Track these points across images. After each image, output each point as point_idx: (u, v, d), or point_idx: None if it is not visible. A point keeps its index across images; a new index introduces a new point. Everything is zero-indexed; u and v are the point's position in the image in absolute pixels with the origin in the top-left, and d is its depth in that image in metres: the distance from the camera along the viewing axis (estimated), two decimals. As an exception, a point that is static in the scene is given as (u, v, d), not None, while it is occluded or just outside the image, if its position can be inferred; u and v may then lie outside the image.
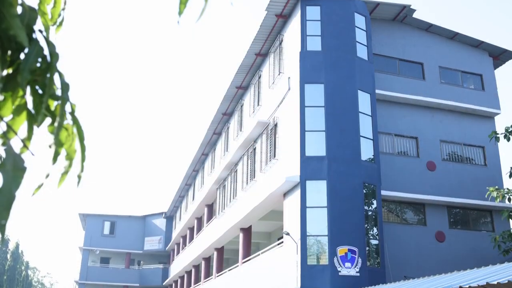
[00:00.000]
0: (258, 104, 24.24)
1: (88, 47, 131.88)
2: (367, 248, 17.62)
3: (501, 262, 11.85)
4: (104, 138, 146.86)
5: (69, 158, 1.56)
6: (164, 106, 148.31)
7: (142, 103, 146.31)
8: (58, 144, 1.52)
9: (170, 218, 53.87)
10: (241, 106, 27.47)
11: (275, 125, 21.33)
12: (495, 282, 8.00)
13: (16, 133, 1.49)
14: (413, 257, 19.41)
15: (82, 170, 1.58)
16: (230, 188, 27.45)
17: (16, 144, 1.46)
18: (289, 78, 20.30)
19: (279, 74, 21.39)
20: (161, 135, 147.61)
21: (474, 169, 21.95)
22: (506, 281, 7.76)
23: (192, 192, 40.75)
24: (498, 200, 18.41)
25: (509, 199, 18.67)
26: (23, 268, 55.76)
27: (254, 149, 23.81)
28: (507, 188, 18.71)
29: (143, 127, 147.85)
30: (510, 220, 19.77)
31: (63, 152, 1.55)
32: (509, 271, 8.69)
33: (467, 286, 8.56)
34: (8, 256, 52.69)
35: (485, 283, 8.19)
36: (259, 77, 24.69)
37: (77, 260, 59.53)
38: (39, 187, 1.50)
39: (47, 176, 1.50)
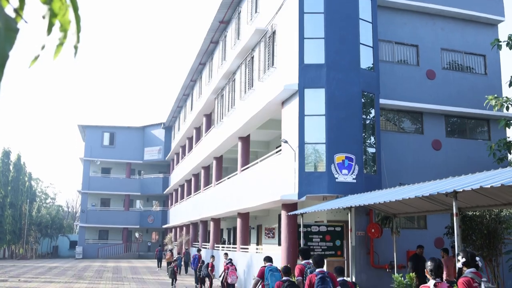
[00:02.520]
0: (256, 11, 23.63)
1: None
2: (364, 155, 17.87)
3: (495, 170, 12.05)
4: (102, 48, 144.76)
5: (64, 29, 1.51)
6: (161, 14, 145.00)
7: (139, 12, 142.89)
8: (52, 14, 1.46)
9: (169, 128, 54.28)
10: (239, 14, 26.80)
11: (274, 33, 20.93)
12: (489, 186, 8.14)
13: (8, 1, 1.43)
14: (409, 165, 19.73)
15: (78, 41, 1.53)
16: (228, 97, 27.41)
17: (9, 12, 1.40)
18: (288, -17, 19.64)
19: (278, -21, 20.69)
20: (159, 44, 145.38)
21: (474, 78, 21.82)
22: (500, 185, 7.89)
23: (190, 102, 40.76)
24: (496, 108, 18.42)
25: (507, 108, 18.68)
26: (26, 179, 56.80)
27: (252, 57, 23.52)
28: (506, 97, 18.67)
29: (141, 35, 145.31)
30: (506, 128, 19.89)
31: (57, 23, 1.50)
32: (503, 176, 8.84)
33: (461, 189, 8.73)
34: (11, 167, 53.50)
35: (478, 187, 8.33)
36: (257, -17, 23.89)
37: (79, 171, 60.67)
38: (36, 58, 1.47)
39: (43, 47, 1.45)
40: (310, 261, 9.90)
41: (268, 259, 12.02)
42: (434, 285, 6.00)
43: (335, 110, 17.66)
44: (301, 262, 10.10)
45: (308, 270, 9.60)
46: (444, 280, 10.12)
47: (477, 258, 6.56)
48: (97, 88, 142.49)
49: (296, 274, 9.68)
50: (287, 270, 9.57)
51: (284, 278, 9.40)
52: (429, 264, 6.24)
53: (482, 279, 6.24)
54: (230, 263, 18.85)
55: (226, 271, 18.66)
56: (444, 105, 20.64)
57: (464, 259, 6.52)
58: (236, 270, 18.82)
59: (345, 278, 9.49)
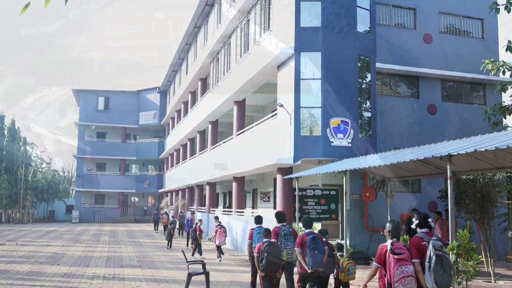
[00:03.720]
0: (252, -27, 23.22)
1: None
2: (360, 120, 17.87)
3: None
4: (96, 11, 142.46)
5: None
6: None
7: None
8: (43, -39, 1.42)
9: (164, 92, 53.96)
10: (235, -24, 26.33)
11: (270, -5, 20.61)
12: (483, 150, 8.17)
13: None
14: (405, 129, 19.77)
15: (70, -11, 1.49)
16: (224, 61, 27.18)
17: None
18: None
19: None
20: (154, 4, 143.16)
21: (471, 42, 21.67)
22: (494, 148, 7.92)
23: (185, 66, 40.41)
24: (492, 73, 18.35)
25: (503, 72, 18.60)
26: (21, 144, 56.58)
27: (248, 20, 23.22)
28: (503, 61, 18.56)
29: None
30: (502, 93, 19.85)
31: (48, -29, 1.46)
32: (497, 140, 8.85)
33: (456, 153, 8.75)
34: (5, 132, 53.23)
35: (473, 151, 8.36)
36: None
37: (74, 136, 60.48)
38: (26, 6, 1.43)
39: (33, -5, 1.41)
40: (285, 223, 10.34)
41: (258, 220, 12.05)
42: (391, 243, 6.56)
43: (331, 74, 17.56)
44: (277, 225, 10.40)
45: (283, 233, 10.07)
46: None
47: (429, 219, 7.03)
48: (92, 51, 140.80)
49: (272, 236, 9.97)
50: (267, 233, 9.91)
51: (265, 239, 9.70)
52: (387, 225, 6.81)
53: (432, 238, 6.61)
54: (219, 226, 19.38)
55: (215, 234, 19.25)
56: (440, 69, 20.56)
57: (417, 221, 6.96)
58: (225, 232, 19.38)
59: (327, 240, 9.93)
